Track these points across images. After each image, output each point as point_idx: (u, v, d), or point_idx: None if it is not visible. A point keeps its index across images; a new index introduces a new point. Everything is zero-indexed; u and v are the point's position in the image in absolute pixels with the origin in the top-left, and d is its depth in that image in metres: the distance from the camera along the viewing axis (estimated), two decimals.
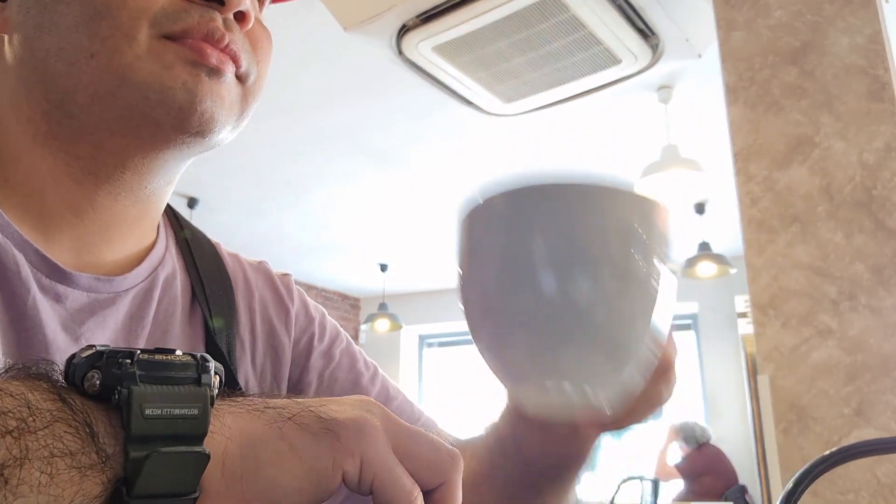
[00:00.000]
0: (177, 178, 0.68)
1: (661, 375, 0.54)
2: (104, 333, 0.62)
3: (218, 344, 0.69)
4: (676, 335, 0.55)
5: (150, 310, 0.66)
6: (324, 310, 0.84)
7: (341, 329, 0.85)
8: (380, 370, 0.83)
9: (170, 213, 0.75)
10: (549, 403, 0.48)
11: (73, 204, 0.61)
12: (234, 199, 5.10)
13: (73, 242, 0.62)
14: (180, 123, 0.59)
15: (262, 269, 0.81)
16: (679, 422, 5.99)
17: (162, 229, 0.72)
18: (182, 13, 0.58)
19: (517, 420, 0.66)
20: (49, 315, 0.58)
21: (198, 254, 0.75)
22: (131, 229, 0.66)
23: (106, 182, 0.62)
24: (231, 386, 0.66)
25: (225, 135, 0.63)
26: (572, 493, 0.69)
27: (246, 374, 0.73)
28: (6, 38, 0.60)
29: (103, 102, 0.58)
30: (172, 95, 0.58)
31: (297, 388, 0.77)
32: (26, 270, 0.57)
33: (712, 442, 5.89)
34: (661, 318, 0.46)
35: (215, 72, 0.59)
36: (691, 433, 5.81)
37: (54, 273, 0.59)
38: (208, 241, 0.78)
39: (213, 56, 0.59)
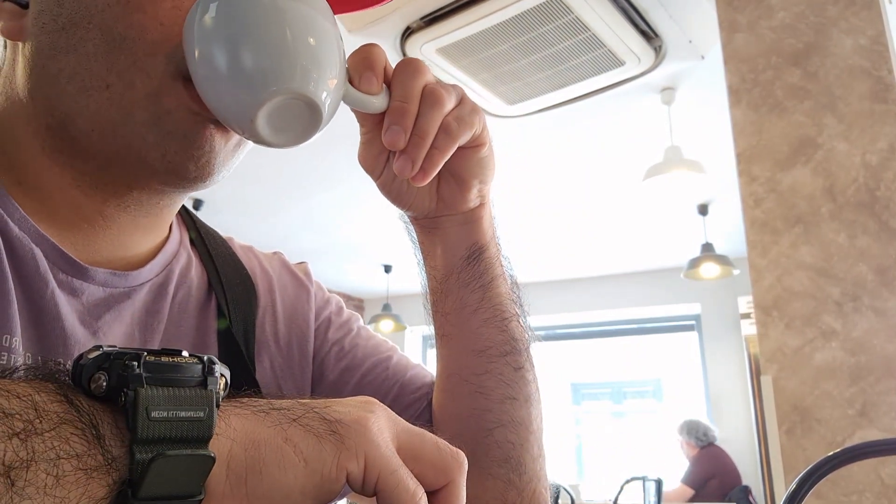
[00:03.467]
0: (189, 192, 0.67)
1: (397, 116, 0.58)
2: (121, 327, 0.63)
3: (233, 333, 0.69)
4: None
5: (166, 303, 0.67)
6: (339, 297, 0.86)
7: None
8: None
9: (181, 207, 0.75)
10: (277, 134, 0.54)
11: (83, 213, 0.61)
12: (239, 200, 5.10)
13: (86, 245, 0.62)
14: (175, 169, 0.59)
15: (277, 258, 0.83)
16: (686, 420, 5.98)
17: (175, 223, 0.72)
18: None
19: (418, 236, 0.73)
20: (67, 309, 0.58)
21: (212, 246, 0.75)
22: (144, 235, 0.66)
23: (113, 196, 0.62)
24: (245, 380, 0.67)
25: (225, 174, 0.63)
26: (501, 275, 0.72)
27: (270, 356, 0.74)
28: (20, 45, 0.60)
29: (104, 134, 0.58)
30: (168, 142, 0.57)
31: (318, 358, 0.78)
32: (44, 265, 0.58)
33: (716, 443, 5.88)
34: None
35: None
36: (695, 429, 5.79)
37: (71, 268, 0.60)
38: (220, 236, 0.79)
39: None
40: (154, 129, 0.57)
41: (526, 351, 0.72)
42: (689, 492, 5.53)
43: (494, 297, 0.71)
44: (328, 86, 0.54)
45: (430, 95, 0.59)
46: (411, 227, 0.73)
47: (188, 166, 0.58)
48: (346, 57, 0.58)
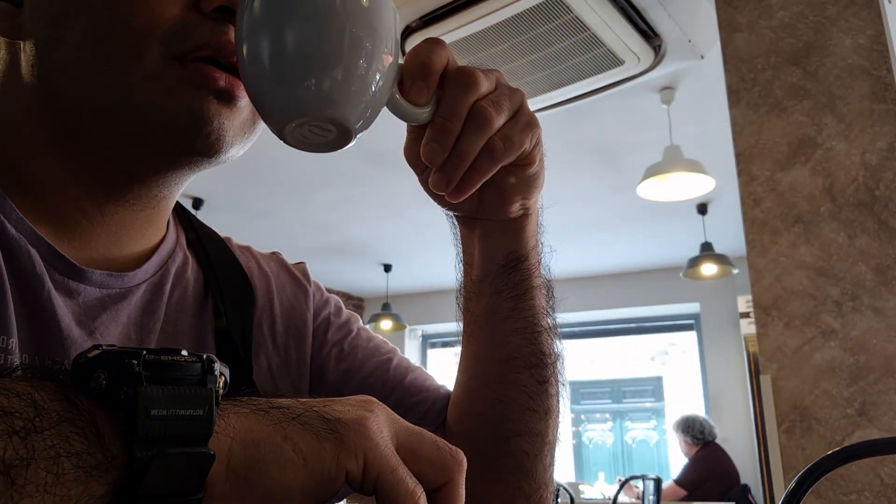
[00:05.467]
0: (187, 181, 0.67)
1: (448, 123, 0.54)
2: (117, 328, 0.62)
3: (230, 334, 0.69)
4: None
5: (162, 303, 0.67)
6: (338, 298, 0.85)
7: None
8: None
9: (179, 208, 0.75)
10: (307, 140, 0.53)
11: (83, 209, 0.62)
12: (239, 200, 5.10)
13: (83, 243, 0.62)
14: (184, 145, 0.59)
15: (275, 258, 0.83)
16: (683, 415, 5.89)
17: (171, 223, 0.72)
18: (192, 29, 0.57)
19: (460, 230, 0.71)
20: (63, 310, 0.59)
21: (209, 246, 0.75)
22: (141, 231, 0.67)
23: (114, 191, 0.62)
24: (242, 379, 0.67)
25: (234, 152, 0.62)
26: (539, 283, 0.70)
27: (267, 355, 0.73)
28: (20, 44, 0.60)
29: (107, 121, 0.58)
30: (175, 119, 0.57)
31: (318, 359, 0.77)
32: (40, 266, 0.58)
33: (716, 440, 5.81)
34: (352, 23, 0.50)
35: (225, 94, 0.58)
36: (691, 427, 5.67)
37: (67, 269, 0.60)
38: (217, 236, 0.79)
39: (222, 79, 0.58)
40: (157, 107, 0.57)
41: (552, 365, 0.71)
42: (681, 492, 5.44)
43: (527, 309, 0.69)
44: (366, 111, 0.51)
45: (478, 115, 0.55)
46: (454, 220, 0.71)
47: (196, 140, 0.58)
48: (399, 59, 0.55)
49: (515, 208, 0.65)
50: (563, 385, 0.73)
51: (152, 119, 0.57)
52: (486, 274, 0.69)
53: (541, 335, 0.70)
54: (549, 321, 0.71)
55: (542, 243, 0.71)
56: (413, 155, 0.60)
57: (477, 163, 0.56)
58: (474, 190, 0.57)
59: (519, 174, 0.62)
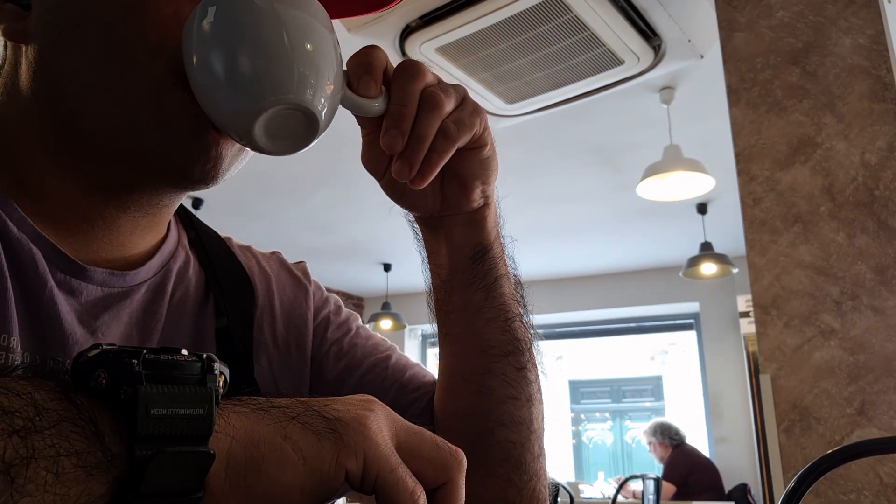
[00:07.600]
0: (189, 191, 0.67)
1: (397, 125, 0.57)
2: (119, 327, 0.63)
3: (231, 333, 0.70)
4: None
5: (164, 303, 0.67)
6: (337, 297, 0.86)
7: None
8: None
9: (179, 207, 0.75)
10: (274, 142, 0.55)
11: (83, 213, 0.62)
12: (238, 200, 5.10)
13: (84, 245, 0.62)
14: (181, 172, 0.59)
15: (275, 257, 0.83)
16: (655, 421, 6.06)
17: (173, 223, 0.72)
18: None
19: (423, 234, 0.73)
20: (65, 309, 0.59)
21: (210, 246, 0.75)
22: (142, 235, 0.66)
23: (115, 198, 0.62)
24: (243, 379, 0.67)
25: (230, 175, 0.63)
26: (504, 273, 0.72)
27: (268, 355, 0.74)
28: (23, 48, 0.60)
29: (108, 134, 0.58)
30: (173, 145, 0.58)
31: (317, 358, 0.78)
32: (43, 265, 0.58)
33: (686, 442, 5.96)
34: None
35: None
36: (667, 429, 5.89)
37: (69, 268, 0.60)
38: (218, 236, 0.79)
39: None
40: (158, 131, 0.57)
41: (528, 351, 0.72)
42: (671, 488, 5.58)
43: (498, 298, 0.70)
44: (325, 94, 0.53)
45: (429, 99, 0.58)
46: (416, 226, 0.73)
47: (193, 169, 0.59)
48: (345, 60, 0.58)
49: (476, 195, 0.68)
50: (543, 373, 0.74)
51: (151, 141, 0.57)
52: (456, 269, 0.70)
53: (513, 322, 0.71)
54: (519, 308, 0.73)
55: (503, 235, 0.74)
56: (371, 160, 0.64)
57: (434, 145, 0.59)
58: (435, 174, 0.60)
59: (474, 157, 0.65)
